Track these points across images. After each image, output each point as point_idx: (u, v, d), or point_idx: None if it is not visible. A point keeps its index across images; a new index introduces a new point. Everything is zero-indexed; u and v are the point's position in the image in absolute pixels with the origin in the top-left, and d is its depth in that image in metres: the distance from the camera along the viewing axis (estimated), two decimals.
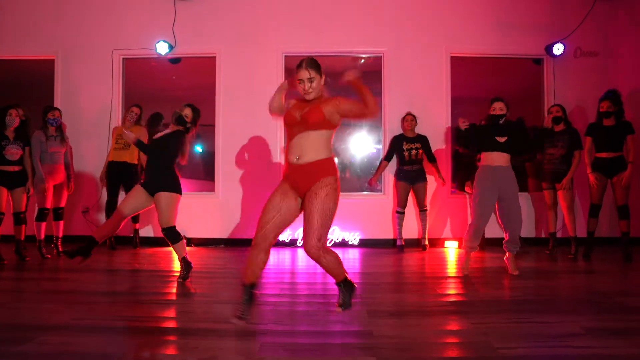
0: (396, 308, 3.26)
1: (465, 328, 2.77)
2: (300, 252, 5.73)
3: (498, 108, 4.26)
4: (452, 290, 3.85)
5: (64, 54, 6.33)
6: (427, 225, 5.89)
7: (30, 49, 6.33)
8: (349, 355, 2.32)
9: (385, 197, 6.19)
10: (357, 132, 6.70)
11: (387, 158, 5.90)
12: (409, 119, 5.87)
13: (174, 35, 6.18)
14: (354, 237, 6.05)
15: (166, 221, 3.94)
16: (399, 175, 5.84)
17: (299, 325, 2.88)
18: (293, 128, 2.73)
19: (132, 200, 3.96)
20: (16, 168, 4.94)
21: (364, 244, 6.10)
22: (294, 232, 6.06)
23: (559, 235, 5.62)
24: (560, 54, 6.13)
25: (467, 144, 4.58)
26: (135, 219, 5.90)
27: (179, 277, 4.03)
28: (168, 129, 4.17)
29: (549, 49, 6.15)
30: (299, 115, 2.71)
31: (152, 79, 6.73)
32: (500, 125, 4.24)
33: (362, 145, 6.73)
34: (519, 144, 4.25)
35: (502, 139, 4.19)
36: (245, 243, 6.10)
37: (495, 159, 4.19)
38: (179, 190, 4.03)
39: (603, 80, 6.07)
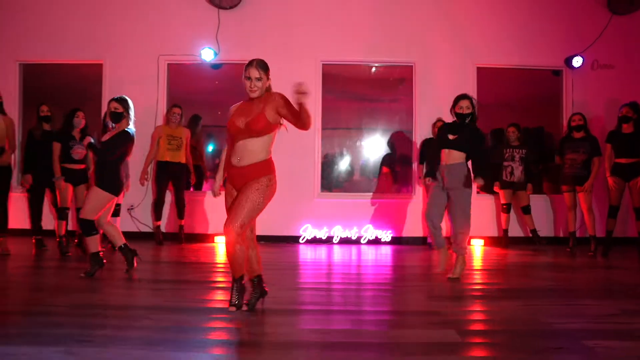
0: (451, 294, 3.67)
1: (515, 309, 3.16)
2: (337, 248, 6.13)
3: (465, 107, 4.10)
4: (490, 279, 4.27)
5: (111, 59, 6.70)
6: None
7: (80, 54, 6.70)
8: (433, 329, 2.70)
9: (415, 198, 6.61)
10: (387, 137, 7.15)
11: (422, 161, 6.32)
12: (440, 125, 6.28)
13: (217, 43, 6.58)
14: (386, 235, 6.44)
15: (88, 212, 3.98)
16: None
17: (379, 306, 3.29)
18: (237, 135, 2.86)
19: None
20: (81, 166, 5.32)
21: (395, 241, 6.51)
22: (330, 229, 6.45)
23: (577, 234, 6.04)
24: (579, 66, 6.58)
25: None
26: (180, 216, 6.24)
27: (85, 273, 3.98)
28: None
29: (568, 61, 6.60)
30: (243, 123, 2.83)
31: (193, 83, 7.12)
32: (454, 124, 4.18)
33: (395, 150, 7.16)
34: (464, 143, 4.07)
35: (452, 137, 4.12)
36: (283, 240, 6.49)
37: (445, 157, 4.12)
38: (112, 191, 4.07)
39: (619, 92, 6.50)
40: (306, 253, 5.72)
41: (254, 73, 2.87)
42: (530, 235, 6.21)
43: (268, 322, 2.81)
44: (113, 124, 4.23)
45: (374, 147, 7.18)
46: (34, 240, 5.53)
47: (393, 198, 6.73)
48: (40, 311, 2.92)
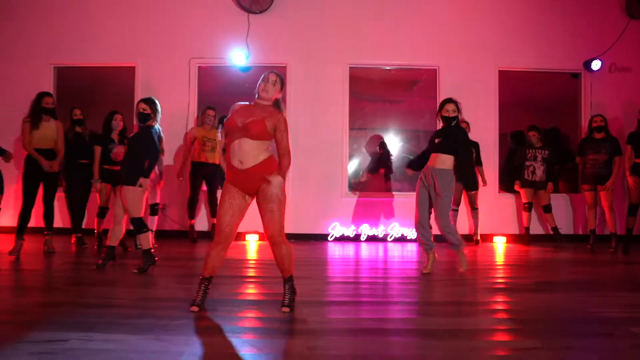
0: (483, 286, 3.90)
1: (552, 300, 3.39)
2: (364, 245, 6.34)
3: (451, 110, 4.20)
4: (518, 274, 4.49)
5: (143, 62, 6.91)
6: (478, 222, 6.52)
7: (113, 56, 6.91)
8: (488, 315, 2.92)
9: None
10: (415, 139, 7.38)
11: None
12: (464, 126, 6.50)
13: (247, 46, 6.79)
14: (412, 232, 6.65)
15: (131, 211, 4.27)
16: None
17: (408, 297, 3.51)
18: (234, 134, 2.87)
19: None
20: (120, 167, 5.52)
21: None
22: (358, 227, 6.67)
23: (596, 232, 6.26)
24: (598, 69, 6.79)
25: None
26: (213, 214, 6.43)
27: (138, 269, 4.16)
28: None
29: (587, 64, 6.81)
30: (241, 122, 2.85)
31: (222, 86, 7.32)
32: (442, 128, 4.30)
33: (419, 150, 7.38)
34: (452, 145, 4.18)
35: (437, 140, 4.25)
36: (313, 237, 6.71)
37: (434, 160, 4.23)
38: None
39: (636, 94, 6.74)
40: (334, 250, 5.93)
41: (272, 77, 2.98)
42: (552, 232, 6.42)
43: (300, 312, 2.96)
44: (140, 124, 4.42)
45: (399, 147, 7.39)
46: (74, 239, 5.75)
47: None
48: (112, 304, 3.13)
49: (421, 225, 4.28)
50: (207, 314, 2.87)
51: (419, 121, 7.77)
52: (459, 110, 4.22)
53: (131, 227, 4.38)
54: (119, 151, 5.48)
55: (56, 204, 6.28)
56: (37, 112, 5.10)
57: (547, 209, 6.40)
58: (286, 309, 2.93)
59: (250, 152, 2.84)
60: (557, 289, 3.82)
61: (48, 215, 5.30)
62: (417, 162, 4.64)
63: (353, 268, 4.86)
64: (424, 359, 2.22)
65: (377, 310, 3.10)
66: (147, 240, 4.26)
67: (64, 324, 2.60)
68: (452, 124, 4.23)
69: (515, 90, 7.13)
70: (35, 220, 5.61)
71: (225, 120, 2.96)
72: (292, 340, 2.51)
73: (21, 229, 4.97)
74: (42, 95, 5.17)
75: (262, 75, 2.99)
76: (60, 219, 6.52)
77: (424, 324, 2.79)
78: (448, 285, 3.94)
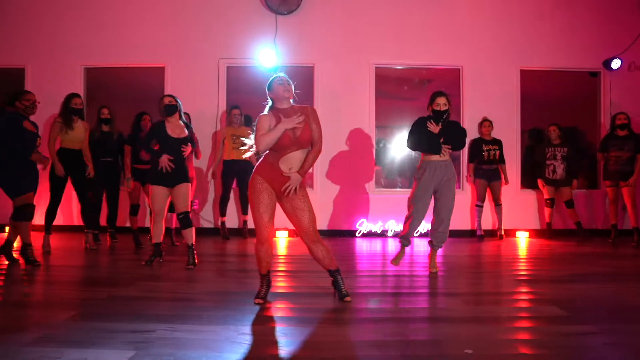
0: (520, 278, 4.06)
1: (592, 290, 3.56)
2: (391, 241, 6.52)
3: (442, 104, 4.06)
4: (550, 267, 4.66)
5: (172, 63, 7.05)
6: (502, 218, 6.70)
7: (144, 57, 7.05)
8: (537, 304, 3.10)
9: (463, 193, 6.99)
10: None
11: (472, 160, 6.71)
12: (487, 125, 6.70)
13: (275, 46, 6.93)
14: None
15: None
16: (478, 173, 6.66)
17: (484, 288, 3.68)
18: (289, 147, 3.01)
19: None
20: (149, 167, 5.61)
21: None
22: (385, 223, 6.85)
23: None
24: (617, 68, 6.96)
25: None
26: (244, 211, 6.58)
27: (187, 264, 4.39)
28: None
29: (607, 63, 6.99)
30: (293, 136, 3.00)
31: (250, 86, 7.46)
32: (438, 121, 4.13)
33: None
34: (450, 137, 4.09)
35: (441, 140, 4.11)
36: (341, 234, 6.88)
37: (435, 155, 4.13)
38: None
39: None
40: (362, 245, 6.09)
41: (285, 77, 3.11)
42: (575, 227, 6.60)
43: (328, 303, 3.14)
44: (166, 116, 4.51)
45: None
46: (91, 235, 5.86)
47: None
48: (180, 297, 3.33)
49: (417, 221, 4.17)
50: (271, 305, 3.06)
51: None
52: (449, 103, 4.09)
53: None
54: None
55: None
56: (68, 113, 5.22)
57: (570, 204, 6.58)
58: (348, 298, 3.11)
59: (300, 159, 3.06)
60: (594, 280, 3.99)
61: (85, 213, 5.43)
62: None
63: (380, 262, 5.04)
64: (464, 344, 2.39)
65: (404, 300, 3.30)
66: (191, 235, 4.47)
67: (145, 317, 2.77)
68: (444, 117, 4.07)
69: (533, 88, 7.28)
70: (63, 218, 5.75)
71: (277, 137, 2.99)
72: (318, 329, 2.68)
73: (48, 226, 5.16)
74: (71, 96, 5.28)
75: (278, 81, 3.07)
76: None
77: (470, 312, 2.97)
78: (493, 276, 4.12)
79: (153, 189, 4.49)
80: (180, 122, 4.60)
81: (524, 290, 3.60)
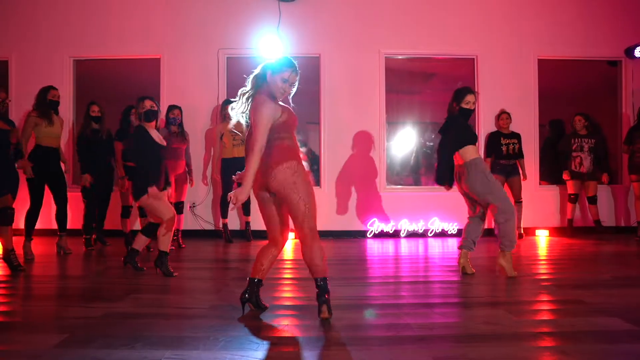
0: (572, 283, 3.67)
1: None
2: (404, 242, 6.13)
3: (472, 102, 3.80)
4: (586, 269, 4.29)
5: (169, 53, 6.60)
6: (522, 216, 6.32)
7: (137, 48, 6.59)
8: (593, 316, 2.71)
9: None
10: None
11: (489, 154, 6.32)
12: (505, 117, 6.31)
13: (279, 36, 6.49)
14: (452, 227, 6.45)
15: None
16: (495, 169, 6.26)
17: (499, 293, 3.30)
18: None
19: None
20: None
21: (461, 233, 6.49)
22: (397, 223, 6.45)
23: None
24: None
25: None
26: (246, 212, 6.15)
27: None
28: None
29: (629, 51, 6.63)
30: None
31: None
32: (447, 121, 3.90)
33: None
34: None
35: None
36: (352, 235, 6.47)
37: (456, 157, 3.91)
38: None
39: None
40: (373, 247, 5.70)
41: (295, 79, 2.69)
42: (594, 225, 6.26)
43: (340, 317, 2.69)
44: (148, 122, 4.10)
45: (437, 140, 7.12)
46: (83, 239, 5.47)
47: (457, 191, 6.71)
48: (188, 314, 2.91)
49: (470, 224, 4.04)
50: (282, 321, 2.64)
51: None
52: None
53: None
54: None
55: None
56: (46, 106, 4.78)
57: (594, 200, 6.24)
58: (326, 315, 2.59)
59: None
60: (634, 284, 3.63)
61: (60, 215, 4.98)
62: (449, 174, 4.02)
63: (408, 266, 4.66)
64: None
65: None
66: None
67: (147, 340, 2.34)
68: (454, 116, 3.80)
69: (550, 78, 6.92)
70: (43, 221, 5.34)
71: (291, 120, 2.68)
72: (326, 350, 2.27)
73: (28, 231, 4.72)
74: (48, 87, 4.86)
75: (281, 73, 2.63)
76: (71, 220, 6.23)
77: (518, 326, 2.58)
78: (527, 281, 3.74)
79: (160, 194, 4.07)
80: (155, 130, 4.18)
81: (570, 298, 3.20)
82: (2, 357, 2.18)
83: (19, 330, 2.62)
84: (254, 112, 2.64)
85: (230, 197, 2.52)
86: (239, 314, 2.80)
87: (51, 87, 4.91)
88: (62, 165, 5.04)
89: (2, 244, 4.11)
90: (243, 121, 2.81)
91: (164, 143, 4.25)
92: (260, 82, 2.74)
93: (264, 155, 2.62)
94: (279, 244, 2.85)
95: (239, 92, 2.80)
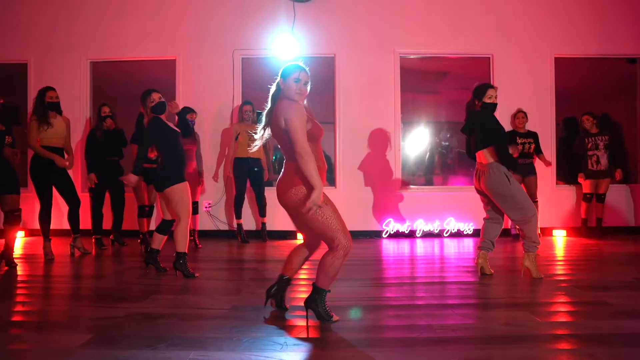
0: (595, 284, 3.62)
1: None
2: (419, 242, 6.11)
3: (494, 96, 3.78)
4: (611, 270, 4.23)
5: (185, 55, 6.64)
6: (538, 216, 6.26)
7: (153, 50, 6.65)
8: (623, 319, 2.67)
9: None
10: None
11: None
12: (521, 116, 6.25)
13: (293, 36, 6.50)
14: (468, 227, 6.41)
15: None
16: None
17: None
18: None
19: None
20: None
21: (477, 233, 6.45)
22: (413, 223, 6.42)
23: None
24: None
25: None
26: (262, 213, 6.16)
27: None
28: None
29: None
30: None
31: (267, 77, 7.04)
32: (469, 120, 3.88)
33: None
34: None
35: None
36: (367, 235, 6.46)
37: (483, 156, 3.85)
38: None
39: None
40: (389, 247, 5.68)
41: (306, 77, 2.67)
42: (595, 224, 6.22)
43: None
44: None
45: (452, 140, 7.10)
46: (93, 240, 5.54)
47: (473, 190, 6.66)
48: (210, 315, 2.92)
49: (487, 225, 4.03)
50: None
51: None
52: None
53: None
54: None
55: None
56: (43, 108, 4.82)
57: (602, 198, 6.19)
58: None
59: None
60: None
61: (73, 216, 5.02)
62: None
63: (425, 266, 4.64)
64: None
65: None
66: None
67: (171, 341, 2.36)
68: (479, 112, 3.75)
69: (566, 76, 6.84)
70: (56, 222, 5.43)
71: (316, 129, 2.64)
72: (334, 352, 2.26)
73: (45, 232, 4.82)
74: (45, 89, 4.89)
75: (293, 74, 2.63)
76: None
77: (547, 328, 2.55)
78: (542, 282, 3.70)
79: (184, 186, 4.01)
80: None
81: (593, 300, 3.15)
82: (31, 356, 2.22)
83: (42, 330, 2.66)
84: (285, 117, 2.54)
85: (310, 206, 2.46)
86: (260, 315, 2.82)
87: (48, 89, 4.90)
88: (65, 154, 5.00)
89: (9, 243, 4.33)
90: (266, 134, 2.79)
91: (178, 130, 4.25)
92: (277, 95, 2.72)
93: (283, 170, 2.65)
94: (312, 249, 2.87)
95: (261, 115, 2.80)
